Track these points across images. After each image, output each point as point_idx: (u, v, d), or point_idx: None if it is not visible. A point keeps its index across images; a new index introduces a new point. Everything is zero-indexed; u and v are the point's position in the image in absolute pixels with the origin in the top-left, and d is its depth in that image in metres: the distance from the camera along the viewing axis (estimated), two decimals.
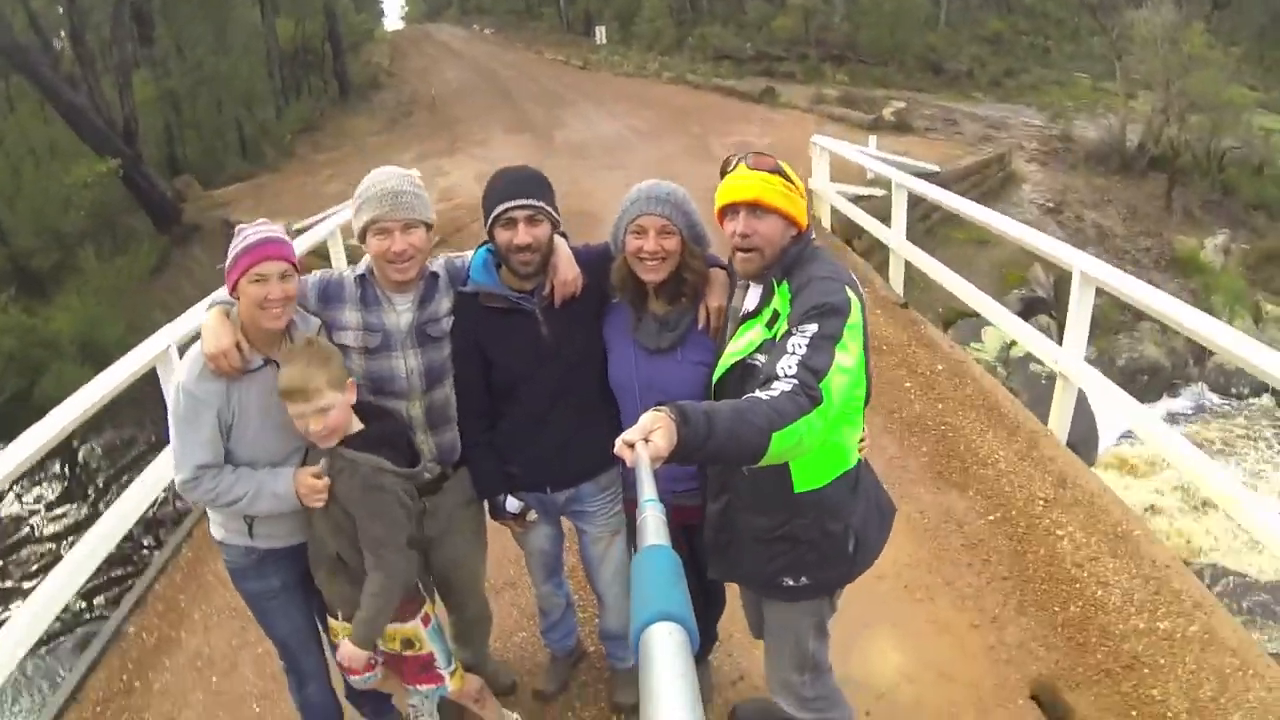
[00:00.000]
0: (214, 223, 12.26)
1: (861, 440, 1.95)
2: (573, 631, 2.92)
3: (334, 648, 2.26)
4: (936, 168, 10.48)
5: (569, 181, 10.67)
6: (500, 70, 25.20)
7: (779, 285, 1.80)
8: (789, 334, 1.64)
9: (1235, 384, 9.74)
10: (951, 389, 4.97)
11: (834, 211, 8.62)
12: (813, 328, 1.61)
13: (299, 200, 12.23)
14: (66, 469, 9.18)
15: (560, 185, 2.21)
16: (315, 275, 2.16)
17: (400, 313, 2.17)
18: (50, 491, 8.95)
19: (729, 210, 1.83)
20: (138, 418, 9.02)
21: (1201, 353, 9.63)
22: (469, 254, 2.30)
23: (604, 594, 2.59)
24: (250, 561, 2.13)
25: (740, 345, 1.82)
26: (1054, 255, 4.60)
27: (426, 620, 2.27)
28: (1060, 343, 4.59)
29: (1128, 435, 8.45)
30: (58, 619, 3.21)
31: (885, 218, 7.02)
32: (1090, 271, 4.15)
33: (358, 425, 2.04)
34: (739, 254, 1.83)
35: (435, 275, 2.21)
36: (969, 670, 2.85)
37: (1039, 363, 7.93)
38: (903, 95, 18.09)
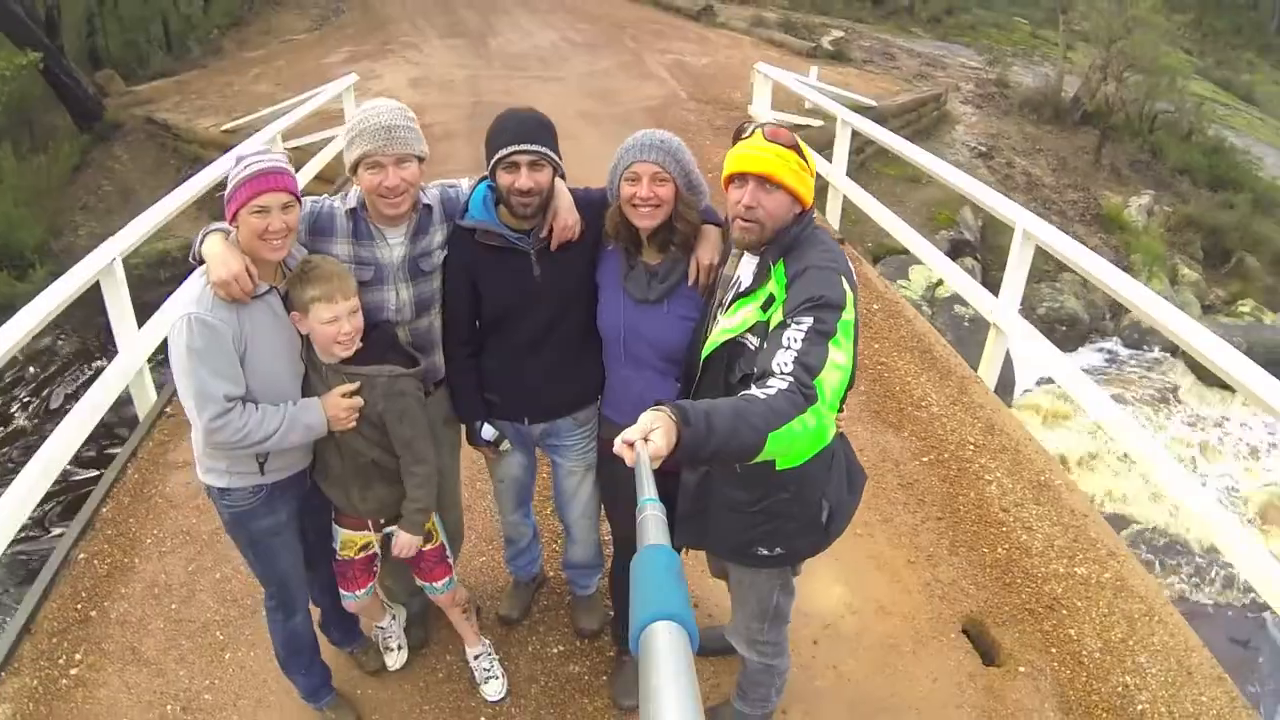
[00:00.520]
0: (137, 121, 11.35)
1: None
2: (537, 559, 3.00)
3: (341, 561, 2.38)
4: (873, 102, 10.46)
5: (505, 93, 10.32)
6: None
7: (775, 266, 1.80)
8: (784, 325, 1.65)
9: (1148, 341, 10.33)
10: (888, 329, 5.12)
11: None
12: (808, 321, 1.63)
13: (226, 99, 11.46)
14: None
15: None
16: (304, 205, 2.09)
17: (393, 246, 2.15)
18: None
19: (737, 178, 1.80)
20: (58, 322, 8.51)
21: (1119, 308, 10.14)
22: (462, 183, 2.27)
23: (572, 526, 2.66)
24: (260, 499, 2.10)
25: (734, 323, 1.82)
26: (998, 210, 4.71)
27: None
28: (990, 290, 4.82)
29: (1043, 382, 8.94)
30: None
31: (821, 148, 6.98)
32: (1032, 229, 4.31)
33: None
34: (740, 222, 1.81)
35: (429, 208, 2.18)
36: (906, 604, 3.07)
37: (964, 304, 8.26)
38: (841, 25, 17.77)
